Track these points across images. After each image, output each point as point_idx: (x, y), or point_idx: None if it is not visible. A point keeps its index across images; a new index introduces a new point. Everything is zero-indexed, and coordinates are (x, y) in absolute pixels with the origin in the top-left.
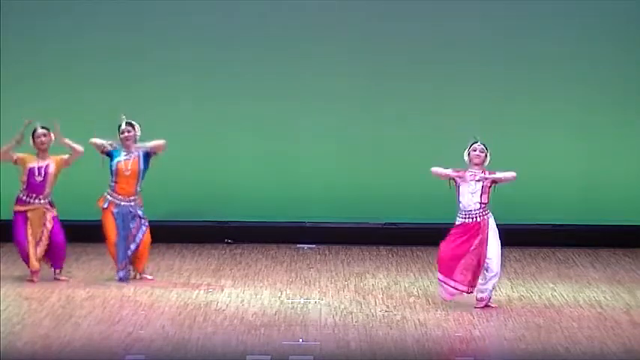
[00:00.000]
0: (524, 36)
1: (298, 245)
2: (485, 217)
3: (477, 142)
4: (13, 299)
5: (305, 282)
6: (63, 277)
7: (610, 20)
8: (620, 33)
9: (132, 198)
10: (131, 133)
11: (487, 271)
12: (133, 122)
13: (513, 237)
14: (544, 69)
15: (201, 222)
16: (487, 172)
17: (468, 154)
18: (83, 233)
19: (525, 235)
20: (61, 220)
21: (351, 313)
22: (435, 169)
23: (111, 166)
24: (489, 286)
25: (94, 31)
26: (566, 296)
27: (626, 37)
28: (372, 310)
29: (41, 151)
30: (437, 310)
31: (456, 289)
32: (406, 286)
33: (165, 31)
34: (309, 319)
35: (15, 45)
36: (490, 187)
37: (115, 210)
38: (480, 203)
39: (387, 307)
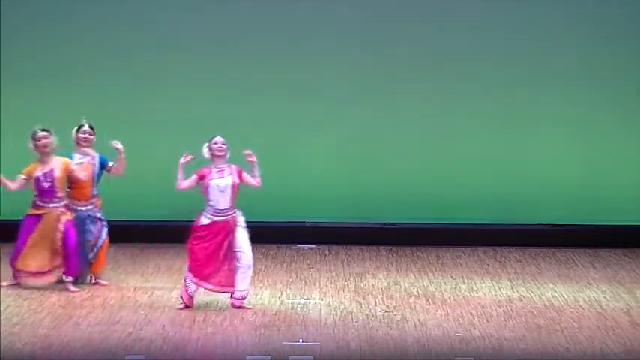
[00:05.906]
0: (525, 36)
1: (298, 245)
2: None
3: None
4: (13, 299)
5: (305, 282)
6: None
7: (610, 20)
8: (621, 32)
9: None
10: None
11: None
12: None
13: (513, 237)
14: (544, 69)
15: None
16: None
17: (209, 148)
18: None
19: (525, 235)
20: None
21: (351, 313)
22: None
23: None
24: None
25: (94, 31)
26: (566, 296)
27: (626, 37)
28: (372, 310)
29: (44, 155)
30: (437, 310)
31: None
32: (406, 286)
33: (171, 29)
34: (309, 319)
35: (15, 45)
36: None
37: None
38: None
39: (387, 307)
